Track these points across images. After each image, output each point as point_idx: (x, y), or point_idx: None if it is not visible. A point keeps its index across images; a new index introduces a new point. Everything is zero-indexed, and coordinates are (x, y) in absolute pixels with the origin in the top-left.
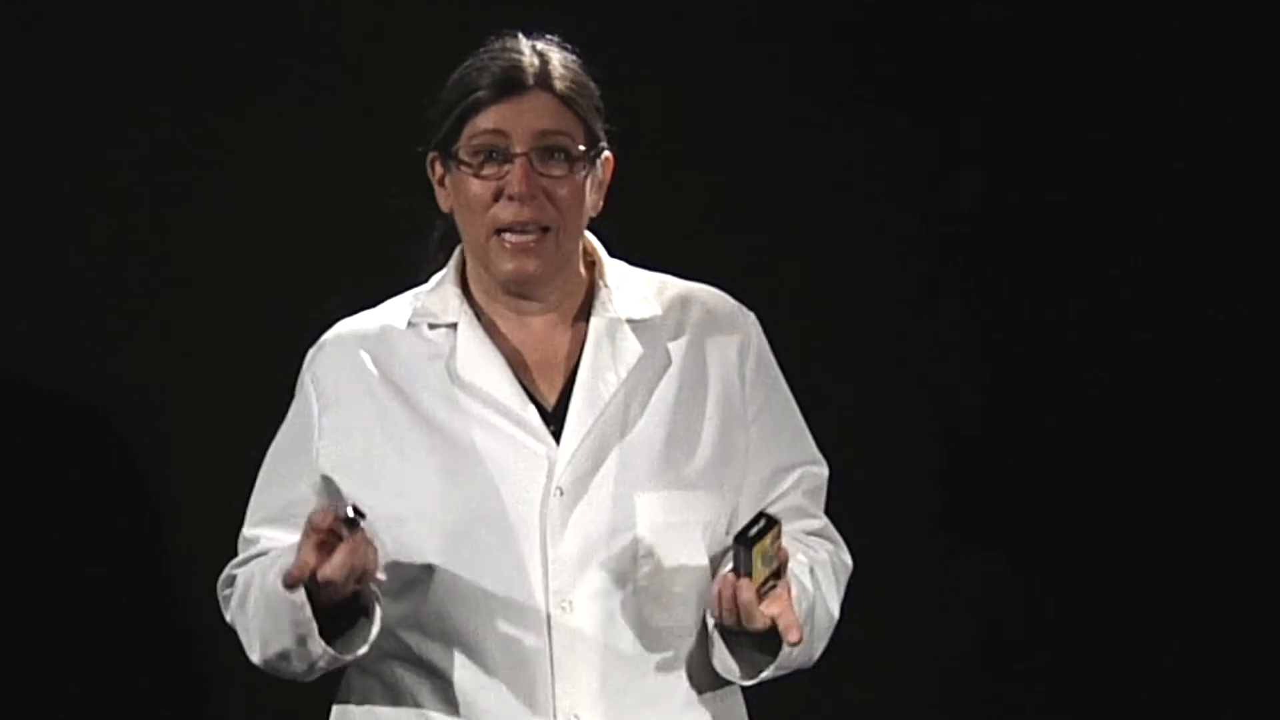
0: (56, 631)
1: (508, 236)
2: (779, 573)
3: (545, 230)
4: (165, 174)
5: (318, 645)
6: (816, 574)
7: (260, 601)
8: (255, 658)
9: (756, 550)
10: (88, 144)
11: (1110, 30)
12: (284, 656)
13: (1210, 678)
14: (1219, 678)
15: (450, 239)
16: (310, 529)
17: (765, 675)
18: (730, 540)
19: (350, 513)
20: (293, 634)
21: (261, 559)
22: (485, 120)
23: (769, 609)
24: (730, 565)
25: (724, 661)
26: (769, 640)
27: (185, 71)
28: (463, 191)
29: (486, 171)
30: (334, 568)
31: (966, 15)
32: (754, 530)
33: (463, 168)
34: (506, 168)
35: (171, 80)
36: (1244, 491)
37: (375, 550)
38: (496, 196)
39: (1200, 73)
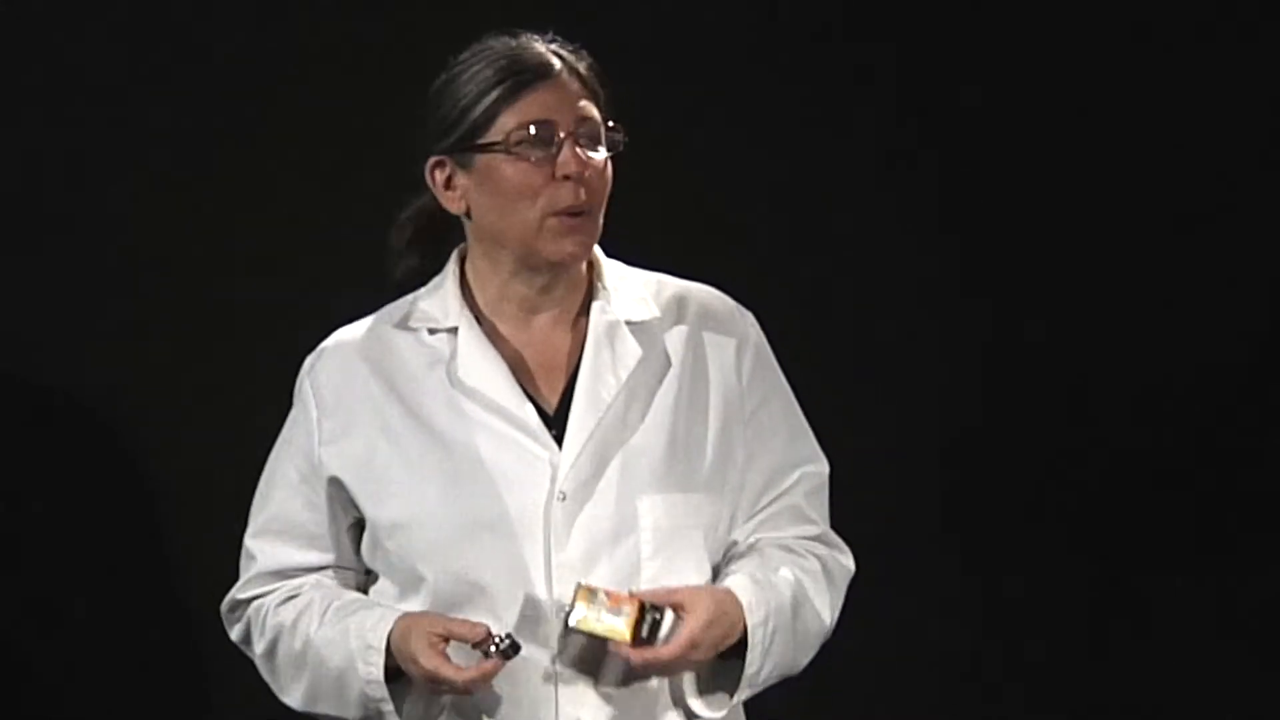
0: (56, 631)
1: (564, 218)
2: (645, 611)
3: (584, 213)
4: (166, 177)
5: None
6: (804, 586)
7: (311, 664)
8: (292, 702)
9: (580, 627)
10: (88, 148)
11: (1114, 28)
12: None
13: (1211, 677)
14: (1220, 677)
15: (435, 241)
16: (443, 633)
17: (739, 698)
18: (730, 540)
19: (506, 641)
20: (361, 711)
21: (288, 608)
22: (526, 105)
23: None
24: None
25: (693, 705)
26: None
27: (183, 76)
28: (503, 181)
29: (535, 155)
30: (483, 684)
31: (968, 14)
32: (568, 612)
33: (508, 154)
34: (550, 151)
35: (171, 84)
36: (1246, 491)
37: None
38: (548, 180)
39: (1204, 71)
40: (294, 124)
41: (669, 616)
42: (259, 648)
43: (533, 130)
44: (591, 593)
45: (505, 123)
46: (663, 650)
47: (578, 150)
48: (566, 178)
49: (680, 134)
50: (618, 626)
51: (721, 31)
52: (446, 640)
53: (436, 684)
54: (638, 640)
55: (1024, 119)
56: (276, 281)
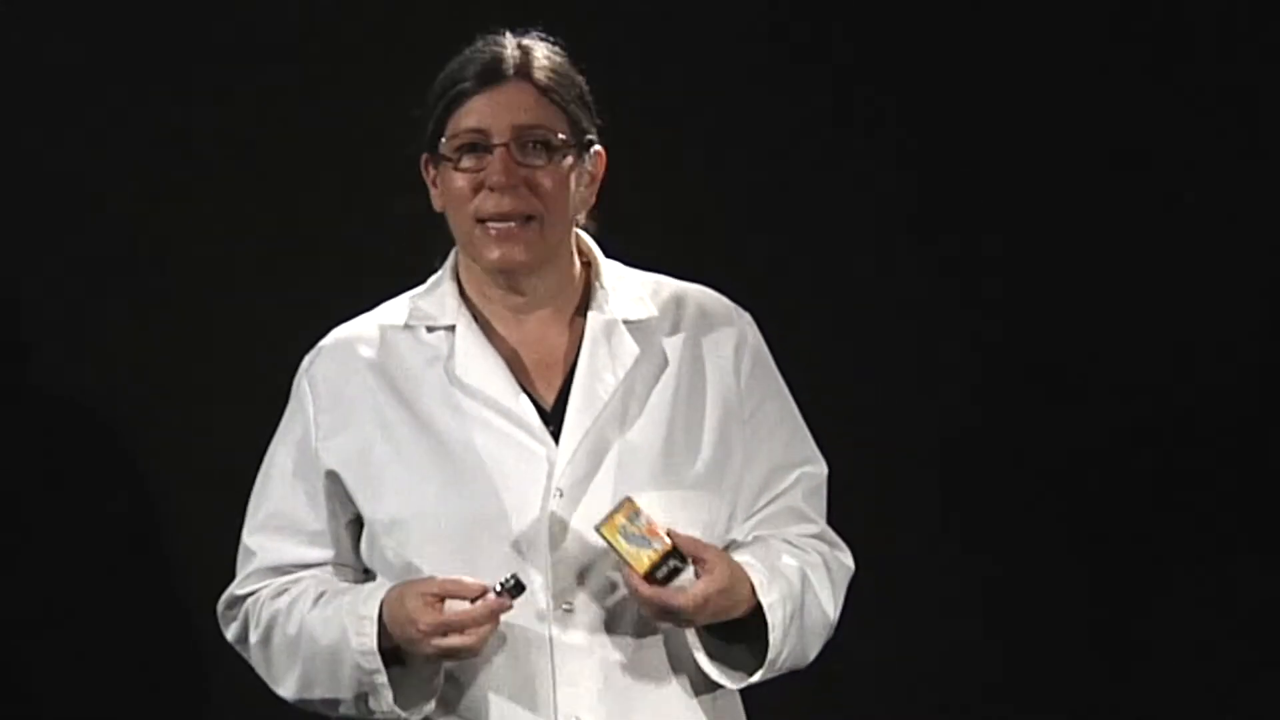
0: (56, 631)
1: (491, 225)
2: (671, 554)
3: (529, 219)
4: (166, 177)
5: (384, 704)
6: (808, 575)
7: (305, 647)
8: (286, 693)
9: (606, 531)
10: (87, 146)
11: (1110, 29)
12: (332, 703)
13: (1211, 677)
14: (1220, 677)
15: (450, 243)
16: (438, 592)
17: (756, 678)
18: (729, 539)
19: (511, 581)
20: (354, 689)
21: (284, 596)
22: (466, 112)
23: (677, 599)
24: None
25: (707, 669)
26: (754, 640)
27: (183, 76)
28: (448, 185)
29: (467, 163)
30: (491, 623)
31: (968, 14)
32: (605, 518)
33: (446, 162)
34: (487, 159)
35: (171, 84)
36: (1245, 491)
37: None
38: (478, 188)
39: (1198, 72)
40: (294, 124)
41: (689, 570)
42: (254, 637)
43: (467, 137)
44: (635, 513)
45: (450, 128)
46: (678, 597)
47: (513, 158)
48: (491, 188)
49: (680, 134)
50: (638, 554)
51: (721, 31)
52: (441, 600)
53: (440, 636)
54: (650, 578)
55: (1025, 118)
56: (276, 281)
